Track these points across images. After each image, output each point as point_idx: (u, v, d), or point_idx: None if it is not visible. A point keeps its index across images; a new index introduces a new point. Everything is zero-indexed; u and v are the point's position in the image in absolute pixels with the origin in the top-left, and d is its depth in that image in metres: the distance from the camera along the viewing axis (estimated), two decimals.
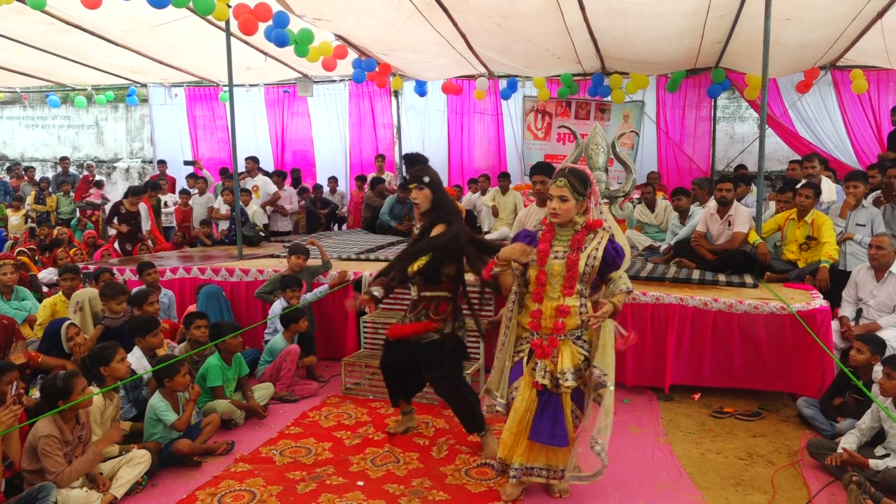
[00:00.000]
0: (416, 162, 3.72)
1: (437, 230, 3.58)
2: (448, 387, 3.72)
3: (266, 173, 10.26)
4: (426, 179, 3.61)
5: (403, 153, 3.89)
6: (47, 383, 3.19)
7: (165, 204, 10.18)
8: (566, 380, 3.05)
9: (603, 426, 3.07)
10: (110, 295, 4.79)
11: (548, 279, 3.10)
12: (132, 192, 8.75)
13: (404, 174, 3.74)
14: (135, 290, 5.13)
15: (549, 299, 3.10)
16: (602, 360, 3.08)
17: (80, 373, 3.47)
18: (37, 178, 12.19)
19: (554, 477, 3.25)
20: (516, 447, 3.20)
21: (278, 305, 5.18)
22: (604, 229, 3.13)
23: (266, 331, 5.27)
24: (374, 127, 11.66)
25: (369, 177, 10.59)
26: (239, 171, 7.47)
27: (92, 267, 6.30)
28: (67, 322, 4.44)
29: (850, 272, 5.01)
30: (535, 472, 3.23)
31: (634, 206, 7.55)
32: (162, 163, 11.70)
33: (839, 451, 3.50)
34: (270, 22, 7.33)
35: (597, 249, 3.05)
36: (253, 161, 9.85)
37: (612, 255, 3.06)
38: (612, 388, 3.05)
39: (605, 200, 4.95)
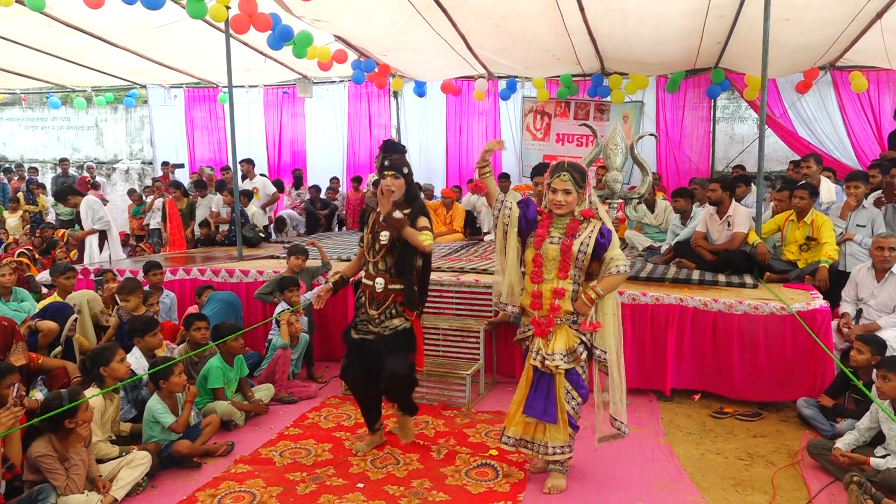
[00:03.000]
0: (395, 150, 3.65)
1: (422, 222, 3.55)
2: (408, 376, 3.65)
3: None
4: (405, 171, 3.58)
5: (383, 139, 3.85)
6: (51, 402, 3.15)
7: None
8: (552, 360, 3.27)
9: (617, 399, 3.37)
10: (126, 290, 4.91)
11: (543, 262, 3.32)
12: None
13: (382, 161, 3.60)
14: None
15: (545, 281, 3.33)
16: (600, 340, 3.34)
17: (82, 386, 3.53)
18: (39, 179, 12.19)
19: (544, 453, 3.39)
20: (514, 418, 3.45)
21: (281, 308, 5.17)
22: (596, 218, 3.35)
23: (270, 332, 5.27)
24: (373, 128, 11.66)
25: (369, 178, 10.59)
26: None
27: (92, 268, 6.30)
28: (75, 316, 4.60)
29: (850, 272, 5.01)
30: (524, 444, 3.44)
31: (635, 207, 7.55)
32: (166, 164, 11.69)
33: (836, 451, 3.50)
34: (270, 31, 7.35)
35: (589, 237, 3.28)
36: (248, 163, 9.83)
37: (599, 239, 3.27)
38: (615, 362, 3.33)
39: (620, 201, 4.95)
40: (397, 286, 3.58)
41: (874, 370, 3.74)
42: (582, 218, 3.32)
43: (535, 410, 3.34)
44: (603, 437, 3.50)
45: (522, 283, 3.40)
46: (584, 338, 3.31)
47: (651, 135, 5.93)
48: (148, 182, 12.67)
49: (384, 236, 3.54)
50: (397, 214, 3.44)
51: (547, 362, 3.29)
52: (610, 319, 3.35)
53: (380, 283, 3.58)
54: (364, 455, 3.81)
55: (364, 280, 3.69)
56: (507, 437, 3.49)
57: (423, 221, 3.55)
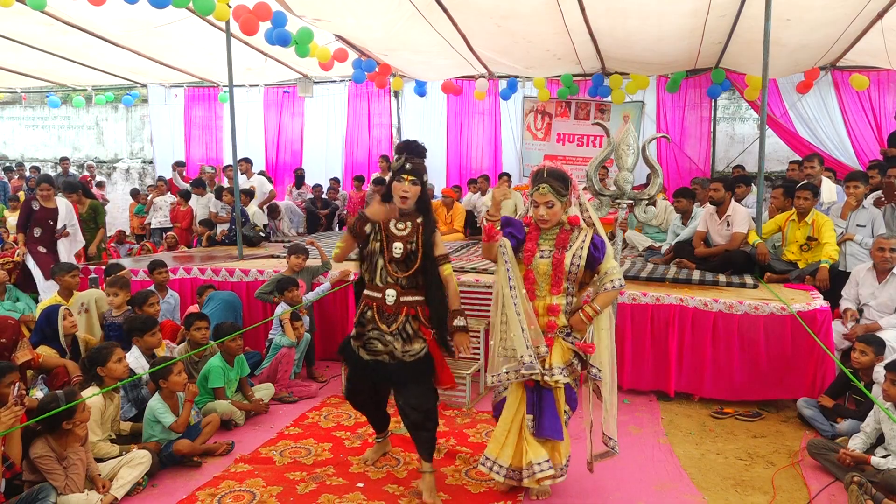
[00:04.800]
0: (418, 153, 3.30)
1: (439, 242, 3.29)
2: (429, 406, 3.31)
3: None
4: (424, 178, 3.29)
5: (403, 139, 3.42)
6: (48, 404, 3.14)
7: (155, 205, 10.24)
8: (552, 375, 3.12)
9: (610, 416, 3.26)
10: (118, 284, 4.91)
11: (535, 278, 3.17)
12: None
13: (404, 163, 3.25)
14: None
15: (539, 298, 3.18)
16: (595, 357, 3.19)
17: (81, 387, 3.55)
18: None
19: (541, 473, 3.16)
20: (504, 442, 3.22)
21: (281, 307, 5.17)
22: (585, 223, 3.20)
23: (270, 331, 5.27)
24: (372, 127, 11.66)
25: (373, 177, 10.60)
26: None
27: (93, 268, 6.30)
28: (63, 306, 4.55)
29: (850, 272, 5.01)
30: (517, 475, 3.20)
31: (645, 209, 7.51)
32: (179, 164, 11.64)
33: (842, 452, 3.50)
34: (270, 24, 7.33)
35: (581, 248, 3.13)
36: (246, 162, 9.83)
37: (593, 252, 3.13)
38: (608, 380, 3.20)
39: (630, 202, 4.96)
40: (409, 299, 3.24)
41: (880, 372, 3.72)
42: (570, 227, 3.17)
43: (551, 430, 3.12)
44: (597, 456, 3.38)
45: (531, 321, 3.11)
46: (577, 350, 3.21)
47: (664, 136, 5.90)
48: (149, 181, 12.67)
49: (397, 249, 3.20)
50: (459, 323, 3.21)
51: (546, 378, 3.12)
52: (604, 334, 3.22)
53: (391, 295, 3.22)
54: (364, 454, 3.80)
55: (369, 292, 3.31)
56: (498, 465, 3.20)
57: (438, 239, 3.28)
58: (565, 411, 3.24)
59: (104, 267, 5.95)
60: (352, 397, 3.59)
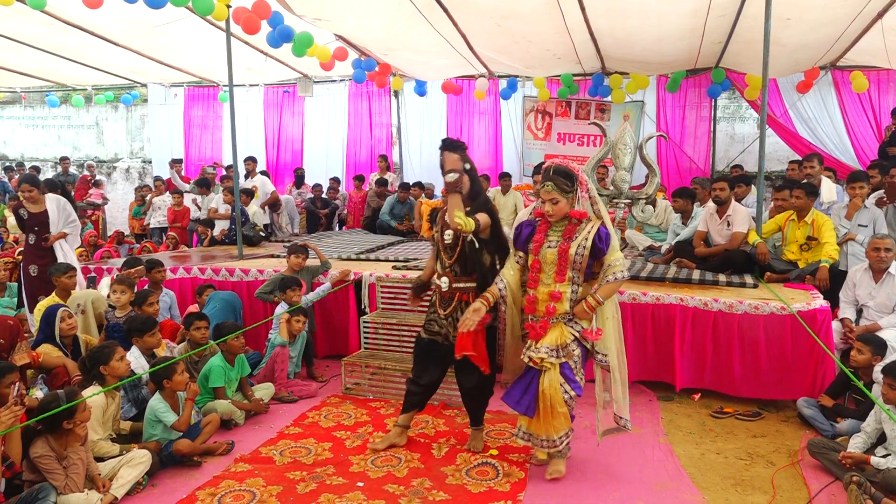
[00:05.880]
0: (454, 148, 3.57)
1: (481, 219, 3.46)
2: (484, 385, 3.69)
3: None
4: (467, 167, 3.55)
5: (443, 139, 3.70)
6: (49, 403, 3.14)
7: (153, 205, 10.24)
8: (537, 353, 3.29)
9: (619, 397, 3.43)
10: (127, 282, 4.91)
11: (541, 267, 3.34)
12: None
13: (441, 159, 3.55)
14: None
15: (542, 285, 3.36)
16: (601, 343, 3.36)
17: (81, 386, 3.54)
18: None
19: (538, 445, 3.46)
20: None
21: (282, 307, 5.17)
22: (594, 215, 3.35)
23: (270, 331, 5.27)
24: (373, 127, 11.67)
25: (371, 177, 10.60)
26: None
27: (93, 267, 6.30)
28: (62, 308, 4.52)
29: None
30: (535, 440, 3.47)
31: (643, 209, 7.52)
32: (178, 162, 11.62)
33: (842, 455, 3.50)
34: (269, 27, 7.33)
35: (586, 239, 3.28)
36: (252, 161, 9.85)
37: (597, 243, 3.27)
38: (616, 363, 3.37)
39: (628, 201, 4.96)
40: (462, 285, 3.54)
41: (880, 374, 3.72)
42: (577, 220, 3.33)
43: (511, 398, 3.42)
44: (606, 431, 3.55)
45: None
46: (578, 335, 3.33)
47: (661, 135, 5.91)
48: (150, 181, 12.68)
49: (448, 235, 3.50)
50: (451, 177, 3.41)
51: (532, 354, 3.32)
52: (609, 322, 3.37)
53: (444, 282, 3.57)
54: (364, 454, 3.81)
55: (434, 279, 3.69)
56: (518, 428, 3.57)
57: (482, 218, 3.46)
58: (567, 392, 3.33)
59: (124, 260, 5.94)
60: (414, 383, 3.79)
